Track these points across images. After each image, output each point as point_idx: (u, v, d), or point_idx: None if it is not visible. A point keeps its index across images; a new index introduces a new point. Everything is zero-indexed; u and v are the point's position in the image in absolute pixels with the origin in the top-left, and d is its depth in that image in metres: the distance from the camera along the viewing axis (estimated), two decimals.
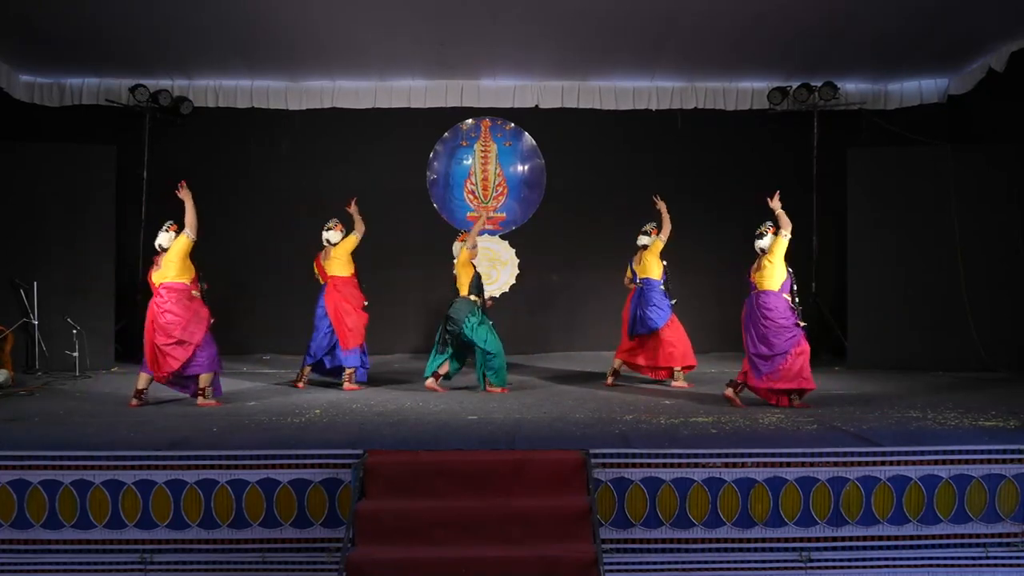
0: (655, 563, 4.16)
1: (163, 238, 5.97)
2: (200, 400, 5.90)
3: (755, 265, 5.92)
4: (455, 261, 6.85)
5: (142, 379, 5.91)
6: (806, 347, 5.74)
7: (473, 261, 6.77)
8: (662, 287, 7.01)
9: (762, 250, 5.89)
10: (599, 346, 9.36)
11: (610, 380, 7.06)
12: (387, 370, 8.10)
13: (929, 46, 8.16)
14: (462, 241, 6.89)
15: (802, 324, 5.73)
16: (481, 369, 6.67)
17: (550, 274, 9.64)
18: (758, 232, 5.95)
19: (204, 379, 5.89)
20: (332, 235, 6.84)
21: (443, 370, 6.67)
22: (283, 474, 4.19)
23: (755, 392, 5.89)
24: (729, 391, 5.91)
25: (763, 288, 5.80)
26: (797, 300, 5.77)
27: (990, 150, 8.26)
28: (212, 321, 5.91)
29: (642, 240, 7.12)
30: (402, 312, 9.35)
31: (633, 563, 4.15)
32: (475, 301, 6.67)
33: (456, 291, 6.74)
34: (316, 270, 6.93)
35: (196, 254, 9.66)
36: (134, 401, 5.88)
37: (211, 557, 4.16)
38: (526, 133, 9.84)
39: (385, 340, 9.32)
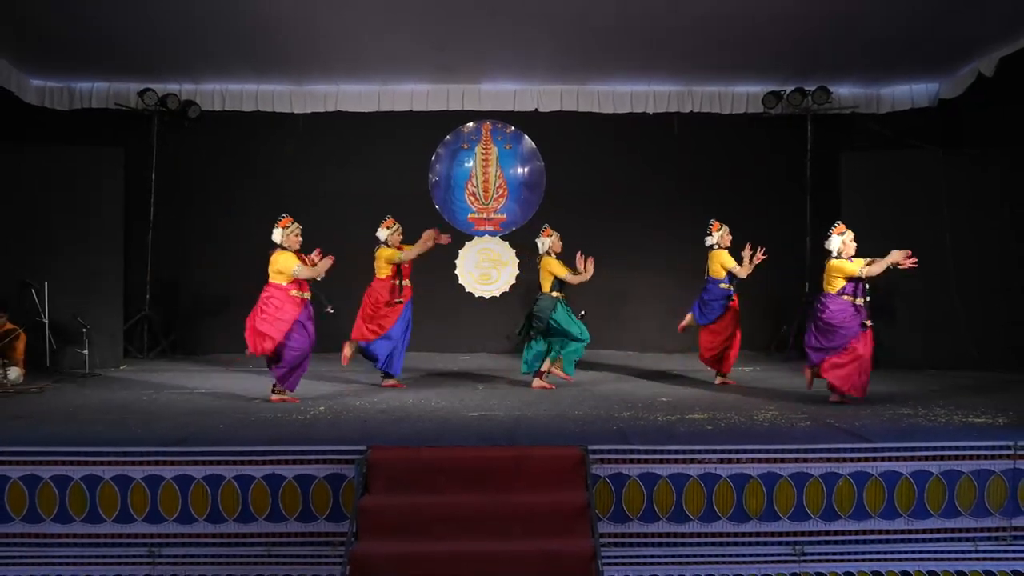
0: (652, 557, 4.21)
1: (275, 233, 6.03)
2: (271, 395, 6.06)
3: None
4: (539, 259, 6.90)
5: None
6: (859, 354, 5.75)
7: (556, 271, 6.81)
8: (724, 286, 7.00)
9: (828, 252, 6.00)
10: (597, 345, 9.42)
11: (718, 380, 7.10)
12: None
13: (920, 51, 8.24)
14: (547, 236, 6.91)
15: (868, 324, 5.76)
16: (557, 354, 6.76)
17: None
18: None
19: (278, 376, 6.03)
20: (380, 231, 6.82)
21: (545, 367, 6.77)
22: (288, 470, 4.25)
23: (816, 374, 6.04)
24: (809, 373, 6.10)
25: (823, 289, 5.96)
26: (867, 300, 5.78)
27: (981, 153, 8.33)
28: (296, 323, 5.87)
29: (707, 240, 7.18)
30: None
31: (631, 557, 4.20)
32: (557, 296, 6.79)
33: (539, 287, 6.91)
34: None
35: (202, 253, 9.81)
36: None
37: (218, 551, 4.21)
38: (526, 136, 9.94)
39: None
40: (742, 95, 9.59)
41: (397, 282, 6.70)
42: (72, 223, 8.07)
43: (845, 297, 5.82)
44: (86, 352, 7.49)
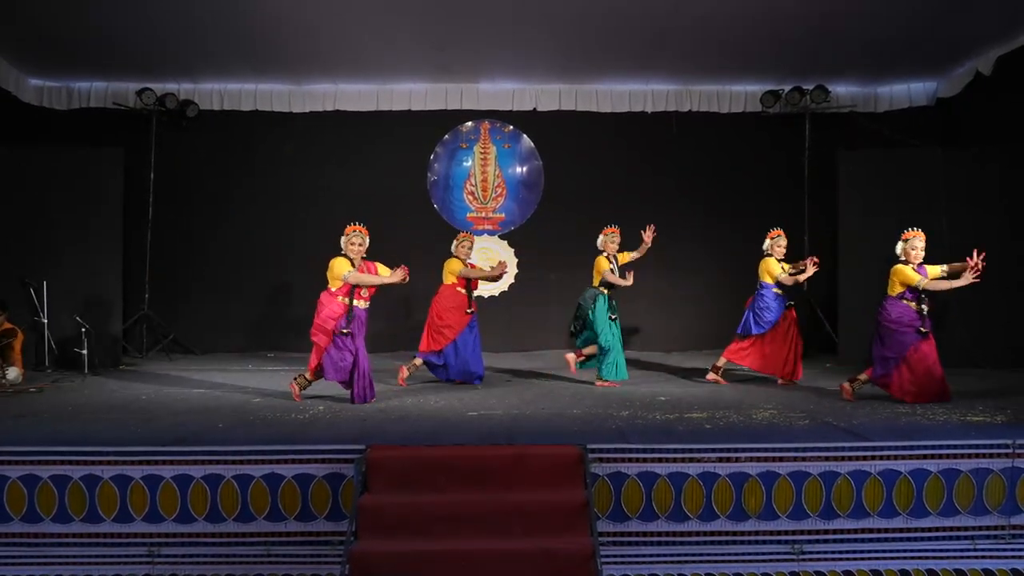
0: (651, 555, 4.22)
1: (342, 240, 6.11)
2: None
3: None
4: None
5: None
6: (924, 355, 5.76)
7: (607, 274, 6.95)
8: (776, 291, 6.94)
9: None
10: None
11: (710, 376, 7.13)
12: (390, 368, 8.19)
13: (918, 50, 8.28)
14: (602, 235, 7.13)
15: (923, 331, 5.78)
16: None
17: (548, 273, 9.74)
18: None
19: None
20: (453, 245, 7.22)
21: (588, 350, 6.96)
22: (287, 469, 4.26)
23: (882, 388, 6.01)
24: (846, 385, 6.10)
25: (887, 292, 5.98)
26: (924, 308, 5.81)
27: (978, 151, 8.35)
28: (344, 331, 5.87)
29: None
30: (403, 311, 9.46)
31: (629, 555, 4.21)
32: (603, 291, 6.93)
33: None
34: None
35: (201, 252, 9.82)
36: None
37: (217, 550, 4.22)
38: (524, 135, 9.95)
39: (387, 339, 9.43)
40: (740, 94, 9.62)
41: (466, 293, 7.12)
42: (72, 223, 8.11)
43: (905, 301, 5.87)
44: (85, 352, 7.51)
